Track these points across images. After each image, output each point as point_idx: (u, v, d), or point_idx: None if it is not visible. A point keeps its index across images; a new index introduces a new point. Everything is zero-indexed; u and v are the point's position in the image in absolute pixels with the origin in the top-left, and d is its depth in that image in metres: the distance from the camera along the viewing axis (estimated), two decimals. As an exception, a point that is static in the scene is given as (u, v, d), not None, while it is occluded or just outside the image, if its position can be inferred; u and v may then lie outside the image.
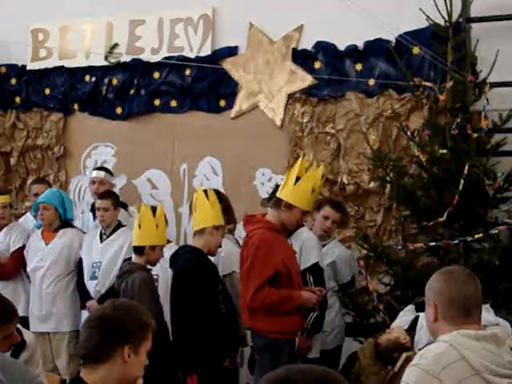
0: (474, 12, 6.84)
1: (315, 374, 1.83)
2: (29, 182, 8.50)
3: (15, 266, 7.49)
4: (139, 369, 3.20)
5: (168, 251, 6.52)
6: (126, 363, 3.12)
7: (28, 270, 7.37)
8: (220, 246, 6.17)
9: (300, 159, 5.85)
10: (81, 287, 7.18)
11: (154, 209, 6.42)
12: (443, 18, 6.52)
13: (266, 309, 5.64)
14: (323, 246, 6.61)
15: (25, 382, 3.82)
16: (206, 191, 6.12)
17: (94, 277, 7.11)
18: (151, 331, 3.24)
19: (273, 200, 5.87)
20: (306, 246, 6.23)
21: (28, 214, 8.11)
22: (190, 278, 5.89)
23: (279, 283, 5.65)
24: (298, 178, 5.67)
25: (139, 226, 6.17)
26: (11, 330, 4.27)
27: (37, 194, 7.69)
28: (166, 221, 7.15)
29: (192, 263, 5.96)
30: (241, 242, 6.46)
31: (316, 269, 6.21)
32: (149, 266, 6.25)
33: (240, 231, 6.80)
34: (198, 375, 5.90)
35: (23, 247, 7.45)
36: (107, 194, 7.35)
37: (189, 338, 5.87)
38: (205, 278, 5.88)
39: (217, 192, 6.49)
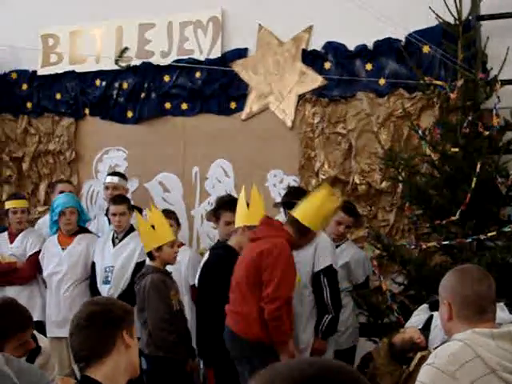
0: (483, 9, 6.83)
1: (351, 375, 1.66)
2: (41, 185, 8.56)
3: (31, 271, 7.54)
4: (137, 352, 3.26)
5: (181, 254, 6.55)
6: (129, 347, 3.15)
7: (44, 275, 7.41)
8: None
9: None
10: (94, 291, 7.20)
11: (141, 211, 6.42)
12: (453, 16, 6.50)
13: (276, 320, 5.58)
14: (337, 246, 6.61)
15: (40, 387, 3.84)
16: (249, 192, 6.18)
17: (106, 281, 7.13)
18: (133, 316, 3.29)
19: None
20: (320, 248, 6.22)
21: (47, 216, 8.08)
22: (215, 274, 5.98)
23: None
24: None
25: (140, 235, 6.21)
26: (26, 337, 4.29)
27: (62, 192, 7.75)
28: (178, 222, 7.21)
29: (219, 259, 6.03)
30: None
31: (330, 271, 6.20)
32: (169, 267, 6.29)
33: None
34: (214, 369, 5.92)
35: (39, 252, 7.49)
36: (121, 198, 7.35)
37: (209, 331, 5.93)
38: (230, 275, 5.86)
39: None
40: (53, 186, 8.17)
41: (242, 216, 6.10)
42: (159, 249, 6.13)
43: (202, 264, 6.50)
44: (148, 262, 6.29)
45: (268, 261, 5.58)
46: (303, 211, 5.71)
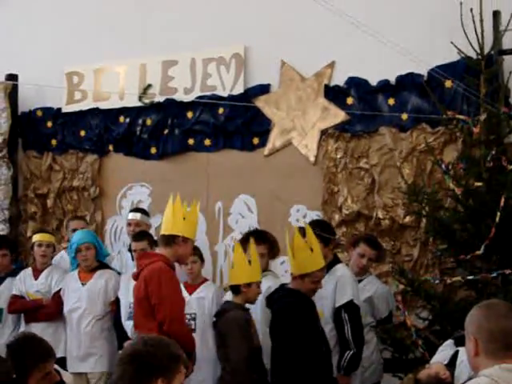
0: (505, 44, 6.83)
1: None
2: (65, 222, 8.59)
3: (57, 308, 7.54)
4: None
5: (205, 290, 6.56)
6: None
7: (65, 310, 7.42)
8: (315, 291, 5.98)
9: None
10: (118, 328, 7.20)
11: (244, 244, 6.30)
12: (475, 50, 6.52)
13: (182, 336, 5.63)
14: (360, 281, 6.59)
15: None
16: (303, 230, 5.99)
17: (131, 317, 7.12)
18: (183, 364, 3.23)
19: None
20: (341, 283, 6.21)
21: (63, 252, 8.12)
22: (289, 322, 5.78)
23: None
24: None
25: (232, 265, 6.12)
26: (49, 369, 4.31)
27: (75, 230, 7.77)
28: (202, 257, 7.16)
29: (290, 306, 5.84)
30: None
31: (351, 306, 6.19)
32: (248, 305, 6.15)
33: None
34: None
35: (64, 289, 7.52)
36: (142, 234, 7.36)
37: (290, 379, 5.77)
38: (304, 321, 5.78)
39: (264, 233, 6.60)
40: (68, 224, 8.23)
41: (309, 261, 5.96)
42: (248, 285, 6.03)
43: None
44: (231, 297, 6.21)
45: (152, 287, 5.67)
46: (162, 225, 6.03)
